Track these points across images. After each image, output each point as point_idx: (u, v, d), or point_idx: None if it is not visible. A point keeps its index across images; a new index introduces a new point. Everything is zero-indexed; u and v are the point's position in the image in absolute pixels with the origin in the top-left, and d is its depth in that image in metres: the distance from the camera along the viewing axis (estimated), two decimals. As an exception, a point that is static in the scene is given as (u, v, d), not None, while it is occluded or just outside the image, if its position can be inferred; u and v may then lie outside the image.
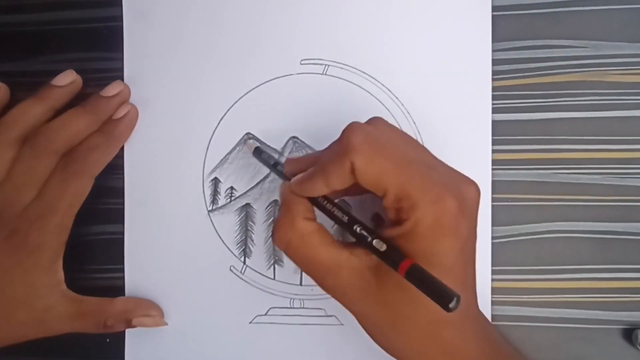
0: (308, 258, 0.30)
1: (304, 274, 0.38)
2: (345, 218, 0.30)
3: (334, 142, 0.30)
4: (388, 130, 0.31)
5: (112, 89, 0.38)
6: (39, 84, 0.40)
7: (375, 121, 0.31)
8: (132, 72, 0.39)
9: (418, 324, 0.30)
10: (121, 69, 0.39)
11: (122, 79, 0.39)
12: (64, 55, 0.40)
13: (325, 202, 0.31)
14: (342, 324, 0.37)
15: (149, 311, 0.37)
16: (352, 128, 0.29)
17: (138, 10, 0.39)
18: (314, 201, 0.31)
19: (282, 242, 0.31)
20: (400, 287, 0.28)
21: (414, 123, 0.37)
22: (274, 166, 0.35)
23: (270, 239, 0.38)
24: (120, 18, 0.39)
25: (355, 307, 0.31)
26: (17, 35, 0.40)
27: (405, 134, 0.32)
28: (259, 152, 0.36)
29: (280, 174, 0.35)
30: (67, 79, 0.38)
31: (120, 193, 0.39)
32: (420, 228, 0.28)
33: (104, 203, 0.39)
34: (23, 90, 0.40)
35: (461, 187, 0.29)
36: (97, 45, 0.40)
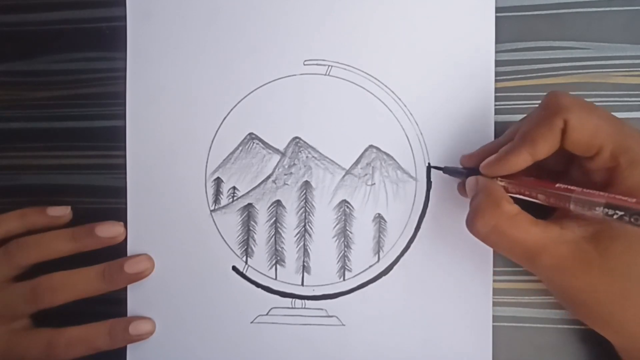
0: (517, 240, 0.29)
1: (306, 274, 0.38)
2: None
3: (535, 111, 0.30)
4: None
5: (107, 231, 0.37)
6: (42, 84, 0.40)
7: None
8: (135, 72, 0.39)
9: None
10: (124, 69, 0.39)
11: (125, 79, 0.39)
12: (67, 55, 0.40)
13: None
14: (343, 325, 0.37)
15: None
16: (557, 92, 0.29)
17: (142, 10, 0.39)
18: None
19: (486, 226, 0.29)
20: (629, 252, 0.27)
21: (417, 124, 0.37)
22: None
23: (273, 239, 0.38)
24: (123, 18, 0.39)
25: (578, 281, 0.29)
26: (20, 35, 0.41)
27: None
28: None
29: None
30: (59, 212, 0.38)
31: (122, 193, 0.39)
32: None
33: (106, 203, 0.39)
34: (26, 90, 0.40)
35: None
36: (100, 45, 0.40)
